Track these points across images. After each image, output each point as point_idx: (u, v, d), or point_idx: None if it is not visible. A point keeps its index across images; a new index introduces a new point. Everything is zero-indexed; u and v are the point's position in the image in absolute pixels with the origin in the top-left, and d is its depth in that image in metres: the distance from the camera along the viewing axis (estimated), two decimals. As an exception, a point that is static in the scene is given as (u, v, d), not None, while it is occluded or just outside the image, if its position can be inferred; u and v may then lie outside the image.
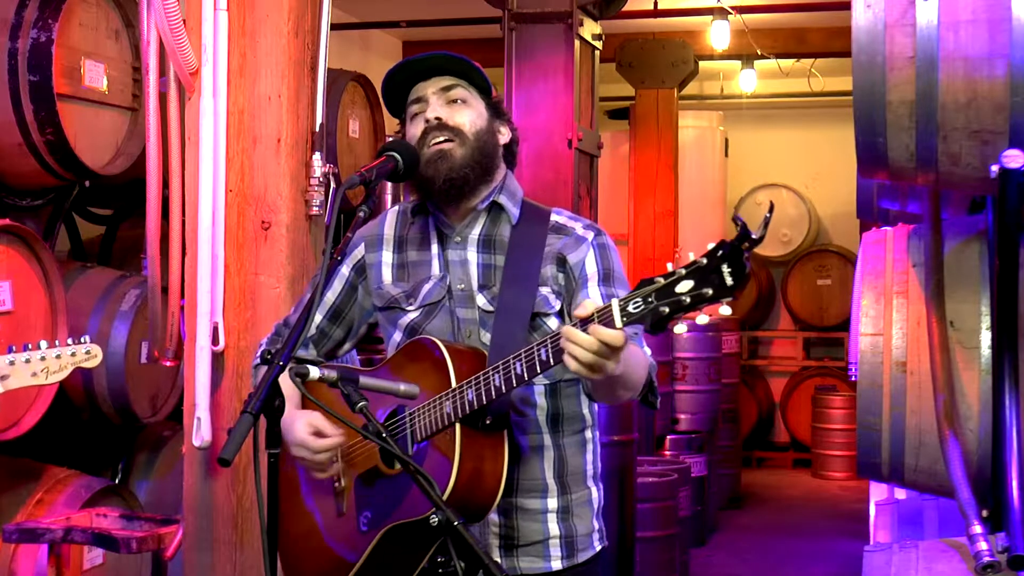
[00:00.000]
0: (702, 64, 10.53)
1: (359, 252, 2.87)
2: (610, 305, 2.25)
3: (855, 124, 3.13)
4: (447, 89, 2.76)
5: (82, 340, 3.05)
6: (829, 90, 11.35)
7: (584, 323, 2.28)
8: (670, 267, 2.22)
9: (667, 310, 2.18)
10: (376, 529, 2.61)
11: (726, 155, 11.08)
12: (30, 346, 2.96)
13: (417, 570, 2.60)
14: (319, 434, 2.65)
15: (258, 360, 2.89)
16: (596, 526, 2.82)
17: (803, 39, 10.34)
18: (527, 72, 6.10)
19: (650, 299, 2.20)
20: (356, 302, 2.88)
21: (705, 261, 2.16)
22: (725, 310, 2.42)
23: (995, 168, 2.94)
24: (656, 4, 9.05)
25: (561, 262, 2.73)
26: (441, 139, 2.71)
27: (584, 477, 2.80)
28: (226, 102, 3.82)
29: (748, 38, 9.76)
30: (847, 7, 3.08)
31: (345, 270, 2.87)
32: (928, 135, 3.06)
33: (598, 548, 2.82)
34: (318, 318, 2.88)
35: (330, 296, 2.87)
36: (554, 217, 2.81)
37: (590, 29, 6.52)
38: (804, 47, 10.44)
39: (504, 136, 2.82)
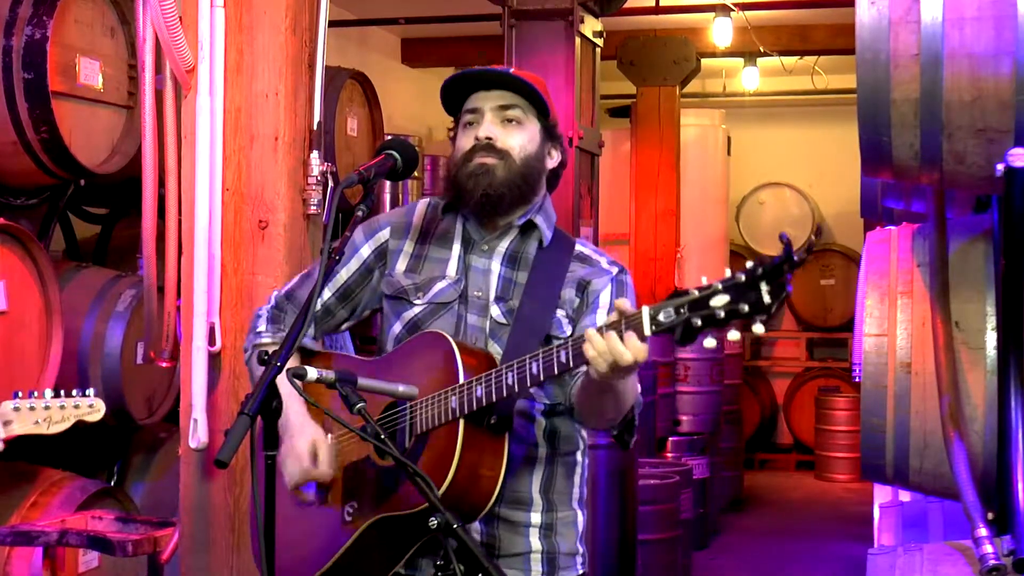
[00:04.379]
0: (704, 61, 10.51)
1: (383, 235, 2.85)
2: (640, 312, 2.24)
3: (859, 122, 3.11)
4: (505, 107, 2.74)
5: (86, 392, 3.10)
6: (833, 88, 11.34)
7: (612, 327, 2.28)
8: (704, 280, 2.21)
9: (699, 323, 2.17)
10: (360, 520, 2.60)
11: (728, 154, 11.05)
12: (35, 393, 3.02)
13: (398, 565, 2.59)
14: (314, 458, 2.66)
15: (258, 330, 2.87)
16: (580, 549, 2.81)
17: (806, 36, 10.31)
18: (527, 70, 6.05)
19: (682, 310, 2.19)
20: (368, 285, 2.86)
21: (743, 278, 2.14)
22: (758, 328, 2.39)
23: (1000, 167, 2.93)
24: (658, 1, 9.04)
25: (582, 287, 2.74)
26: (487, 157, 2.70)
27: (570, 499, 2.79)
28: (223, 100, 3.80)
29: (751, 35, 9.74)
30: (851, 4, 3.06)
31: (365, 251, 2.84)
32: (933, 133, 3.04)
33: (580, 571, 2.80)
34: (327, 294, 2.85)
35: (343, 274, 2.85)
36: (579, 247, 2.82)
37: (591, 26, 6.50)
38: (807, 44, 10.42)
39: (553, 160, 2.82)
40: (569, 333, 2.71)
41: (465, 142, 2.75)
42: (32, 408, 2.98)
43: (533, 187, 2.76)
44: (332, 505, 2.68)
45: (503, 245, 2.78)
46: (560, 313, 2.71)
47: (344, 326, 2.93)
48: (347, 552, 2.61)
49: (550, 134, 2.80)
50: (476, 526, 2.65)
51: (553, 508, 2.74)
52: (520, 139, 2.73)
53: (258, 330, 2.88)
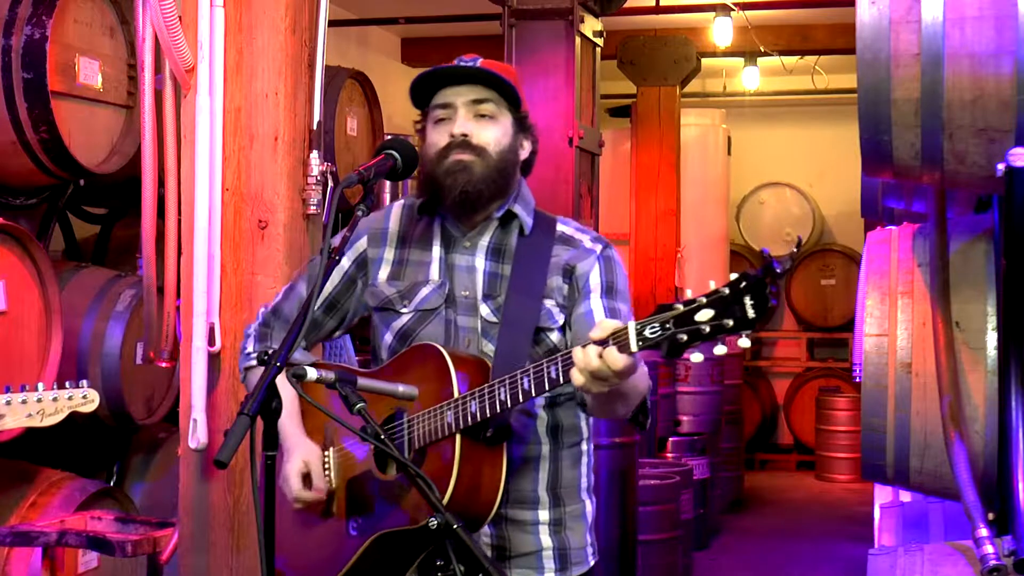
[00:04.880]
0: (704, 61, 10.51)
1: (361, 245, 2.83)
2: (626, 328, 2.23)
3: (860, 122, 3.10)
4: (478, 102, 2.72)
5: (80, 384, 3.07)
6: (833, 87, 11.34)
7: (599, 344, 2.26)
8: (689, 294, 2.20)
9: (685, 338, 2.16)
10: (365, 535, 2.59)
11: (729, 153, 11.04)
12: (27, 387, 2.99)
13: (406, 574, 2.58)
14: (307, 479, 2.67)
15: (253, 363, 2.86)
16: (589, 540, 2.80)
17: (807, 36, 10.31)
18: (527, 69, 6.06)
19: (668, 325, 2.18)
20: (353, 295, 2.85)
21: (727, 291, 2.13)
22: (744, 342, 2.39)
23: (1001, 166, 2.92)
24: (658, 1, 9.02)
25: (568, 273, 2.71)
26: (463, 154, 2.68)
27: (578, 490, 2.78)
28: (222, 100, 3.78)
29: (751, 35, 9.74)
30: (851, 3, 3.05)
31: (345, 262, 2.83)
32: (933, 133, 3.03)
33: (592, 563, 2.79)
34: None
35: (327, 287, 2.83)
36: (560, 227, 2.79)
37: (591, 26, 6.49)
38: (808, 44, 10.41)
39: (525, 151, 2.80)
40: (561, 322, 2.69)
41: (438, 138, 2.72)
42: (24, 401, 2.95)
43: (509, 180, 2.74)
44: (338, 518, 2.67)
45: (485, 239, 2.75)
46: (549, 303, 2.68)
47: (336, 335, 2.92)
48: (354, 566, 2.60)
49: (521, 125, 2.78)
50: (485, 528, 2.64)
51: (561, 503, 2.73)
52: (495, 134, 2.71)
53: (247, 351, 2.88)
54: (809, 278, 12.39)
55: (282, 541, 2.79)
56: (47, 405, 2.99)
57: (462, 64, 2.73)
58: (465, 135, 2.68)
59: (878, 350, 3.37)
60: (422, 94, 2.79)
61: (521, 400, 2.42)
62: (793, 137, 12.75)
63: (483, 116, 2.71)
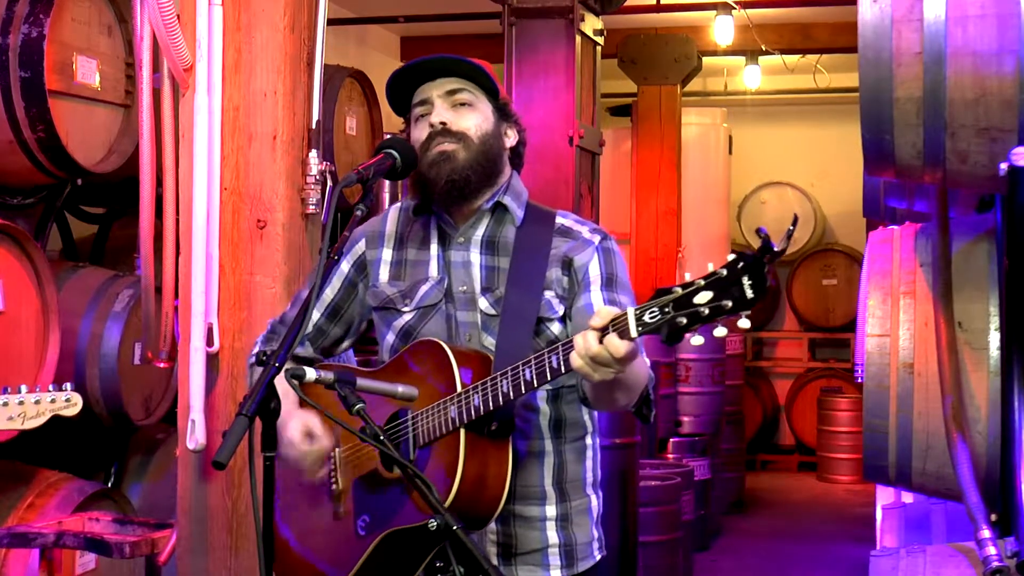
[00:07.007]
0: (706, 60, 10.50)
1: (360, 248, 2.84)
2: (626, 314, 2.22)
3: (861, 121, 3.10)
4: (453, 92, 2.73)
5: (63, 387, 3.07)
6: (835, 86, 11.32)
7: (599, 331, 2.25)
8: (688, 277, 2.18)
9: (684, 321, 2.14)
10: (374, 534, 2.58)
11: (730, 153, 11.03)
12: (9, 389, 2.99)
13: (416, 573, 2.56)
14: (310, 435, 2.65)
15: (253, 360, 2.87)
16: (596, 535, 2.79)
17: (808, 34, 10.30)
18: (527, 68, 6.05)
19: (667, 309, 2.17)
20: (356, 299, 2.85)
21: (725, 272, 2.12)
22: (743, 323, 2.40)
23: (1004, 166, 2.91)
24: None
25: (567, 264, 2.71)
26: (445, 143, 2.68)
27: (583, 485, 2.77)
28: (221, 98, 3.78)
29: (752, 33, 9.73)
30: (853, 2, 3.05)
31: (345, 267, 2.84)
32: (935, 132, 3.02)
33: (598, 558, 2.79)
34: (316, 315, 2.85)
35: (328, 293, 2.84)
36: (559, 220, 2.78)
37: (591, 24, 6.48)
38: (809, 43, 10.40)
39: (511, 139, 2.81)
40: (562, 312, 2.69)
41: (420, 133, 2.73)
42: (5, 404, 2.94)
43: (496, 165, 2.74)
44: (346, 518, 2.67)
45: (478, 233, 2.75)
46: (549, 294, 2.67)
47: (344, 343, 2.92)
48: (364, 566, 2.59)
49: (503, 113, 2.78)
50: (492, 525, 2.63)
51: (567, 498, 2.73)
52: (474, 119, 2.72)
53: (252, 363, 2.88)
54: (811, 278, 12.38)
55: (287, 545, 2.77)
56: (29, 408, 2.98)
57: (431, 57, 2.73)
58: (444, 123, 2.69)
59: (880, 350, 3.36)
60: (401, 103, 2.81)
61: (523, 391, 2.41)
62: (794, 136, 12.75)
63: (461, 104, 2.72)
